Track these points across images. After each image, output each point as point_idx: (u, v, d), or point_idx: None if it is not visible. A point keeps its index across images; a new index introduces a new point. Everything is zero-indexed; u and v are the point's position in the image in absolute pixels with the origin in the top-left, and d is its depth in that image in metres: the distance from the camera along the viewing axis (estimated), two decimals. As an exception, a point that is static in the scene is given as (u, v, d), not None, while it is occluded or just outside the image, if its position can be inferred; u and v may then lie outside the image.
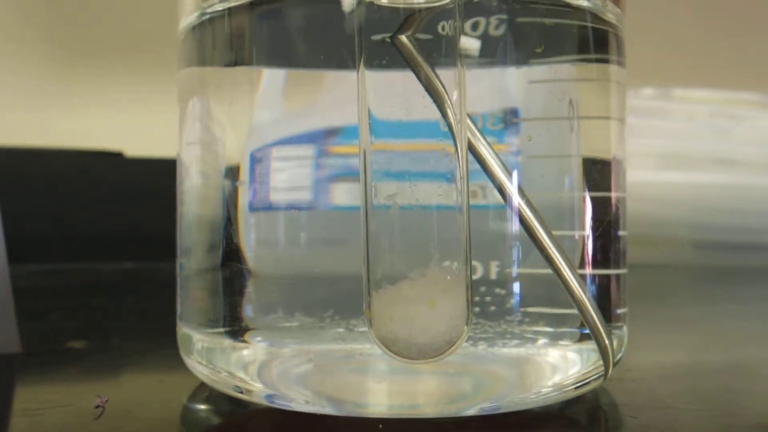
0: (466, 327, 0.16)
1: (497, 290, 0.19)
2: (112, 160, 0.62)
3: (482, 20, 0.18)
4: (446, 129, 0.16)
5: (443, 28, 0.16)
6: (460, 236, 0.16)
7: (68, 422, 0.18)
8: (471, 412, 0.18)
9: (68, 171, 0.60)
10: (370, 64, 0.16)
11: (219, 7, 0.19)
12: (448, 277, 0.16)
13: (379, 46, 0.16)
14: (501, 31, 0.18)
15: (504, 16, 0.18)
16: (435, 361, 0.16)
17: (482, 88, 0.19)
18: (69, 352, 0.26)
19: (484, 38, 0.18)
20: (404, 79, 0.16)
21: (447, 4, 0.16)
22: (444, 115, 0.16)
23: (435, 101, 0.16)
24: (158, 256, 0.38)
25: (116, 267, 0.56)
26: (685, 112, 0.64)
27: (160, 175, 0.30)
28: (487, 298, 0.19)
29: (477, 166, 0.17)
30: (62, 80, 0.69)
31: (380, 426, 0.17)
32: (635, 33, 0.21)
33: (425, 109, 0.16)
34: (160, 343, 0.25)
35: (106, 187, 0.60)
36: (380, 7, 0.16)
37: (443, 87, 0.16)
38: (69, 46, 0.70)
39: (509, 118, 0.19)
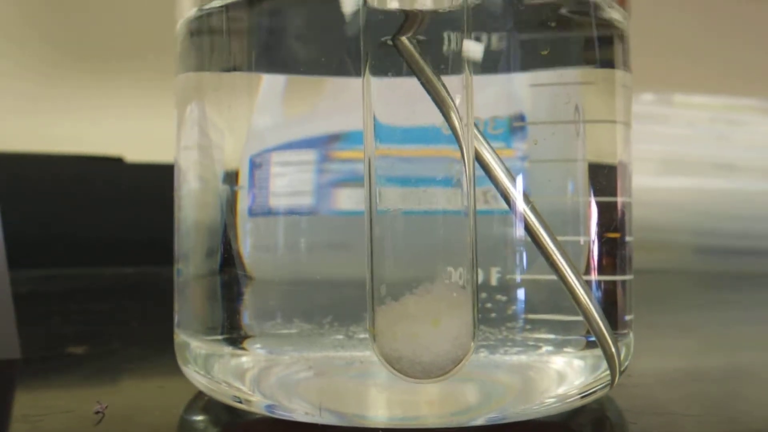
0: (472, 344, 0.16)
1: (501, 297, 0.19)
2: (112, 165, 0.62)
3: (487, 24, 0.18)
4: (449, 133, 0.16)
5: (448, 32, 0.16)
6: (467, 252, 0.16)
7: (68, 428, 0.18)
8: (475, 423, 0.17)
9: (68, 176, 0.60)
10: (375, 69, 0.16)
11: (217, 3, 0.19)
12: (454, 294, 0.16)
13: (384, 50, 0.16)
14: (506, 34, 0.18)
15: (509, 20, 0.18)
16: (440, 381, 0.16)
17: (486, 92, 0.19)
18: (69, 358, 0.26)
19: (489, 42, 0.18)
20: (410, 84, 0.16)
21: (455, 8, 0.16)
22: (447, 118, 0.16)
23: (437, 104, 0.16)
24: (159, 261, 0.38)
25: (116, 272, 0.55)
26: (686, 118, 0.64)
27: (161, 180, 0.30)
28: (488, 305, 0.19)
29: (480, 171, 0.17)
30: (62, 85, 0.69)
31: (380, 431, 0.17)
32: (635, 37, 0.21)
33: (431, 114, 0.16)
34: (161, 349, 0.25)
35: (106, 192, 0.60)
36: (380, 13, 0.16)
37: (445, 89, 0.16)
38: (69, 51, 0.70)
39: (514, 122, 0.19)
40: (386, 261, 0.16)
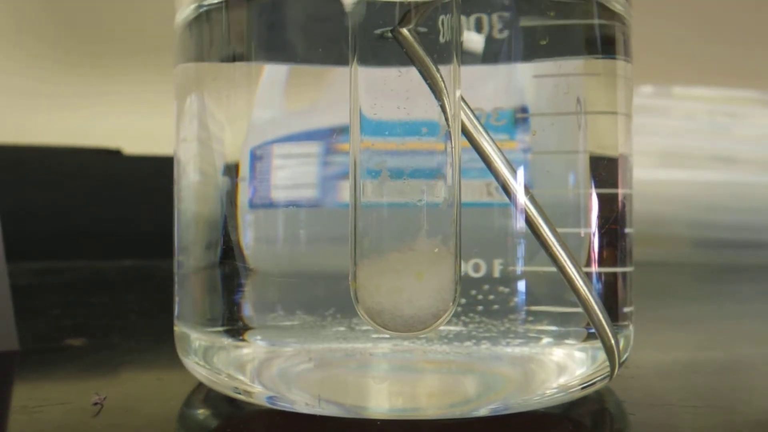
0: (453, 302, 0.16)
1: (503, 289, 0.19)
2: (110, 157, 0.62)
3: (487, 14, 0.18)
4: (445, 123, 0.16)
5: (443, 23, 0.16)
6: (450, 211, 0.16)
7: (66, 419, 0.18)
8: (476, 414, 0.17)
9: (67, 168, 0.60)
10: (364, 61, 0.16)
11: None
12: (436, 250, 0.16)
13: (372, 42, 0.16)
14: (506, 24, 0.18)
15: (509, 9, 0.18)
16: (421, 335, 0.16)
17: (487, 83, 0.19)
18: (67, 350, 0.26)
19: (489, 32, 0.18)
20: (397, 77, 0.16)
21: None
22: (443, 108, 0.16)
23: (435, 95, 0.16)
24: (157, 254, 0.38)
25: (115, 264, 0.55)
26: (685, 110, 0.64)
27: (159, 172, 0.30)
28: (490, 296, 0.19)
29: (483, 164, 0.17)
30: (61, 78, 0.69)
31: (378, 422, 0.17)
32: (634, 31, 0.21)
33: (422, 107, 0.16)
34: (159, 341, 0.25)
35: (104, 185, 0.60)
36: (379, 5, 0.16)
37: (443, 81, 0.16)
38: (67, 44, 0.70)
39: (515, 114, 0.19)
40: (370, 226, 0.16)
